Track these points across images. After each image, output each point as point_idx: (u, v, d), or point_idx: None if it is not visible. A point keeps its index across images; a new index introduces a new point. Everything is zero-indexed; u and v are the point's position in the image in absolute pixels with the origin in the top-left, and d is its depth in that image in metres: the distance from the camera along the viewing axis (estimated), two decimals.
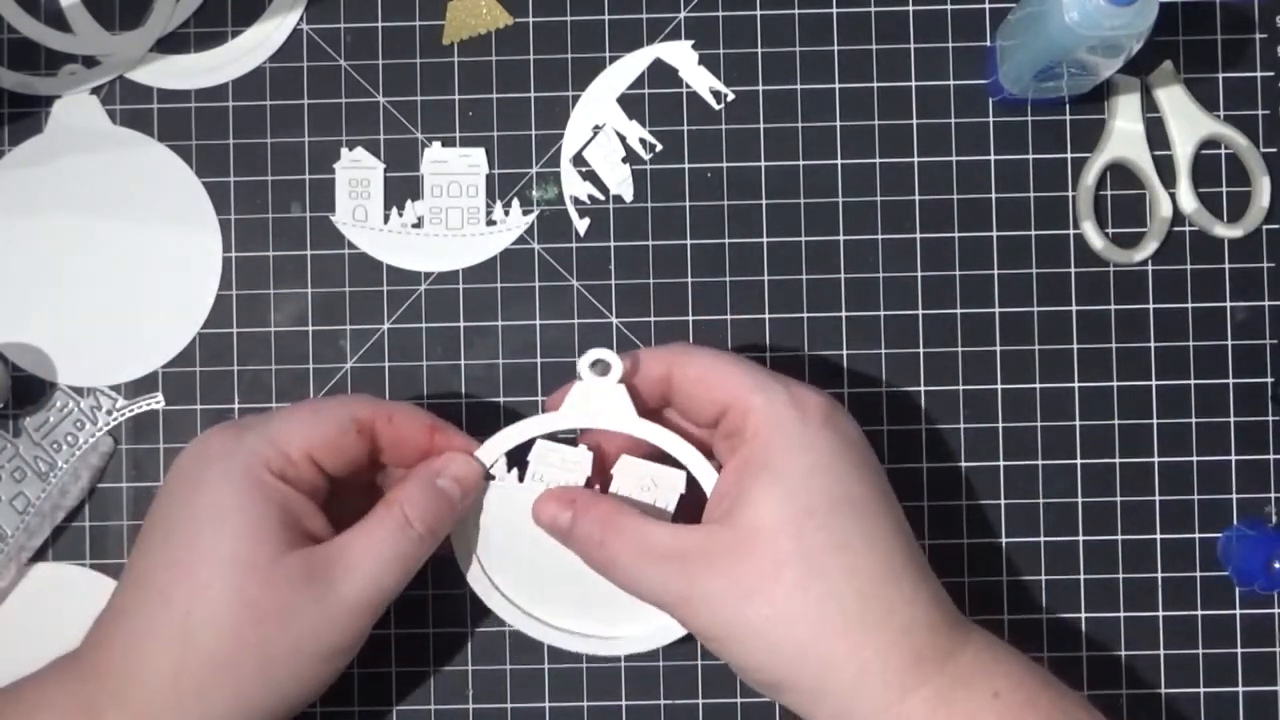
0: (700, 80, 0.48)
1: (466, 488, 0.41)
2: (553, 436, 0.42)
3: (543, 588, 0.43)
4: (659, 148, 0.48)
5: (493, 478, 0.42)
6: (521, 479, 0.42)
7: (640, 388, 0.41)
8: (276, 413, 0.41)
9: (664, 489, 0.41)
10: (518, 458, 0.42)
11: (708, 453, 0.42)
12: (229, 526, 0.38)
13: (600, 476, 0.42)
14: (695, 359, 0.40)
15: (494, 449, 0.42)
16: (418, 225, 0.48)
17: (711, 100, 0.48)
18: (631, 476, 0.41)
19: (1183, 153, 0.48)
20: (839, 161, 0.48)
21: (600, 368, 0.41)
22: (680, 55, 0.48)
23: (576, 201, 0.48)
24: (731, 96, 0.48)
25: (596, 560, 0.40)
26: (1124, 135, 0.48)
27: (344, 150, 0.48)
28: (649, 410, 0.42)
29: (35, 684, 0.39)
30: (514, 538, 0.42)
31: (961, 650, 0.38)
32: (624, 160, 0.48)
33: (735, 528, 0.38)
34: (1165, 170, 0.48)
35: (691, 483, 0.41)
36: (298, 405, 0.41)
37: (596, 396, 0.41)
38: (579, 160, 0.48)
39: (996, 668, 0.38)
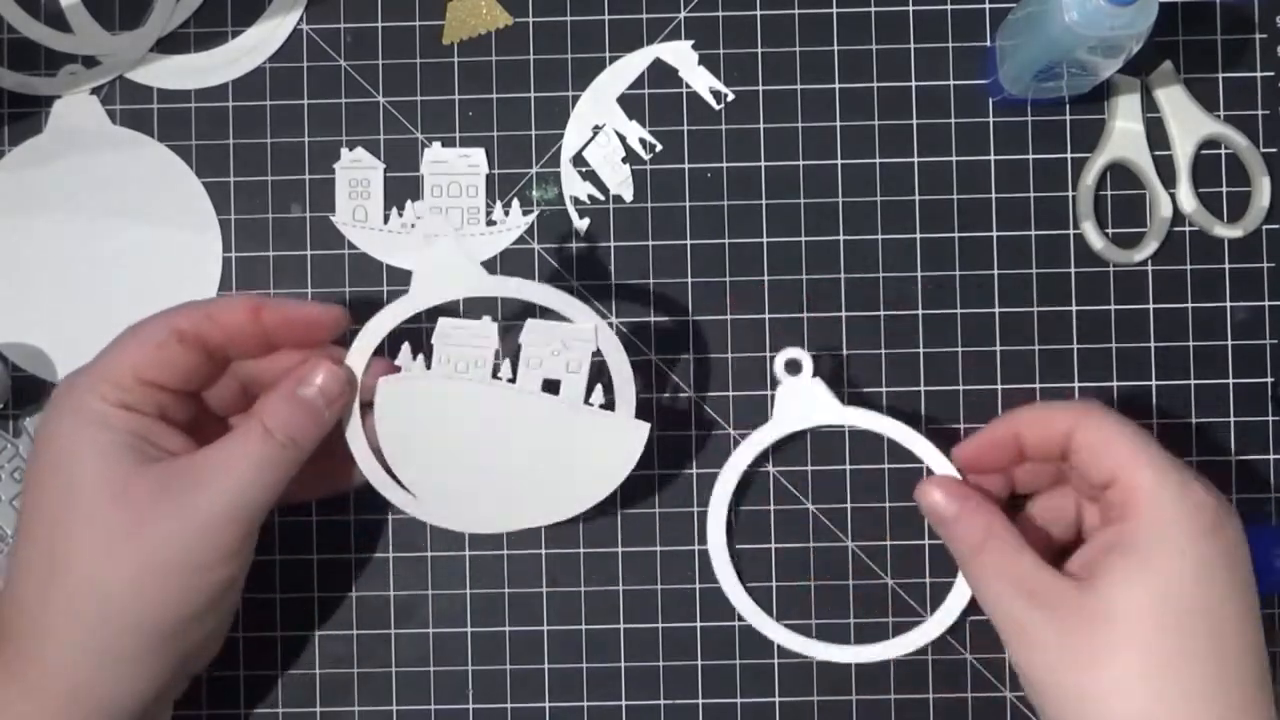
0: (700, 80, 0.48)
1: (330, 396, 0.41)
2: (450, 314, 0.41)
3: (451, 474, 0.42)
4: (659, 148, 0.48)
5: (398, 369, 0.41)
6: (429, 365, 0.41)
7: (1042, 440, 0.41)
8: (103, 349, 0.41)
9: (576, 349, 0.41)
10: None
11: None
12: (76, 459, 0.38)
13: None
14: (1102, 424, 0.40)
15: (368, 343, 0.41)
16: (418, 225, 0.48)
17: (711, 100, 0.48)
18: (541, 341, 0.41)
19: (1183, 153, 0.48)
20: (839, 161, 0.48)
21: (793, 367, 0.43)
22: (680, 55, 0.48)
23: (576, 201, 0.48)
24: (731, 96, 0.48)
25: (964, 558, 0.41)
26: (1124, 135, 0.48)
27: (344, 150, 0.48)
28: (1043, 459, 0.42)
29: None
30: (421, 427, 0.42)
31: None
32: (624, 160, 0.48)
33: (1090, 594, 0.38)
34: (1165, 170, 0.48)
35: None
36: (121, 334, 0.41)
37: (799, 396, 0.43)
38: (579, 160, 0.48)
39: None
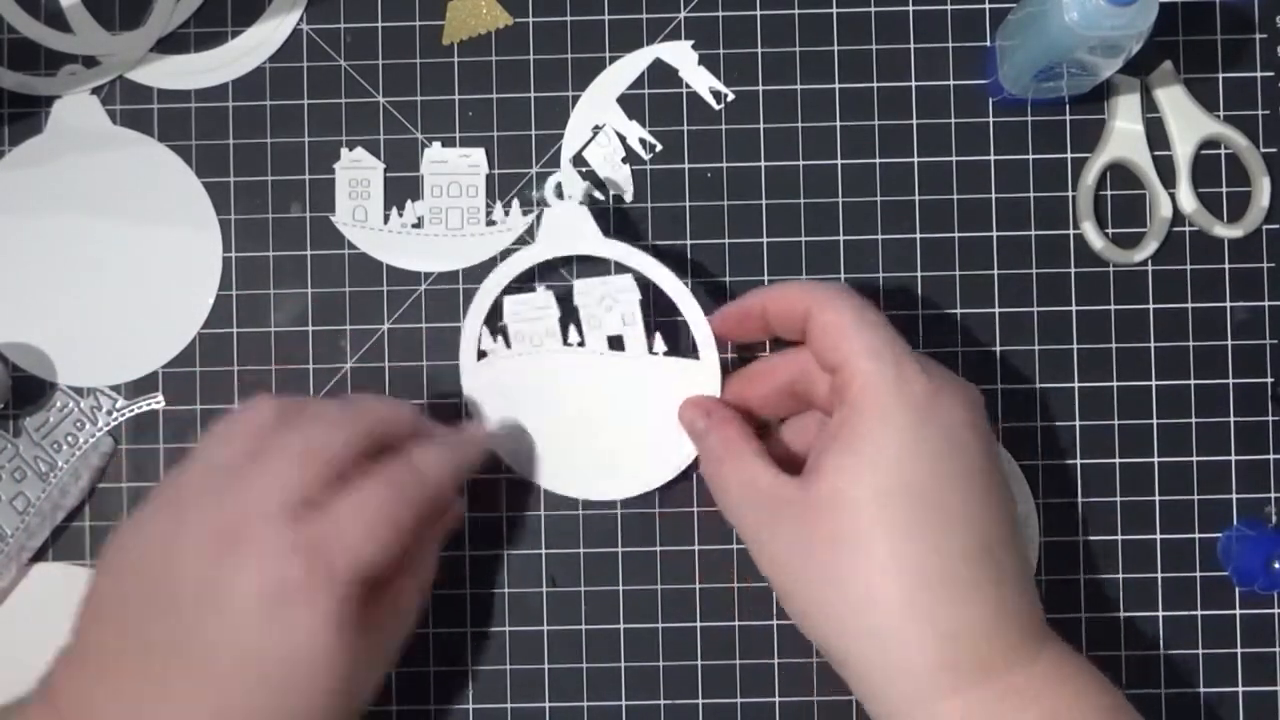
0: (700, 80, 0.48)
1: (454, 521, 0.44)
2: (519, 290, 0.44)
3: (545, 450, 0.45)
4: (659, 148, 0.48)
5: (485, 354, 0.45)
6: (509, 344, 0.44)
7: (785, 317, 0.42)
8: (352, 523, 0.37)
9: (622, 300, 0.44)
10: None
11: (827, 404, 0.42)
12: (323, 665, 0.36)
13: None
14: (834, 307, 0.40)
15: (472, 327, 0.45)
16: (418, 225, 0.48)
17: (711, 100, 0.48)
18: (592, 298, 0.44)
19: (1183, 153, 0.48)
20: (839, 161, 0.48)
21: (560, 190, 0.45)
22: (680, 55, 0.48)
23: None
24: (731, 96, 0.48)
25: (710, 474, 0.42)
26: (1124, 135, 0.48)
27: (344, 150, 0.48)
28: (786, 334, 0.43)
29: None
30: (512, 406, 0.45)
31: (1023, 666, 0.37)
32: (624, 160, 0.48)
33: (814, 485, 0.38)
34: (1165, 170, 0.48)
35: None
36: (373, 500, 0.38)
37: (562, 220, 0.44)
38: (579, 160, 0.48)
39: (1061, 688, 0.37)
